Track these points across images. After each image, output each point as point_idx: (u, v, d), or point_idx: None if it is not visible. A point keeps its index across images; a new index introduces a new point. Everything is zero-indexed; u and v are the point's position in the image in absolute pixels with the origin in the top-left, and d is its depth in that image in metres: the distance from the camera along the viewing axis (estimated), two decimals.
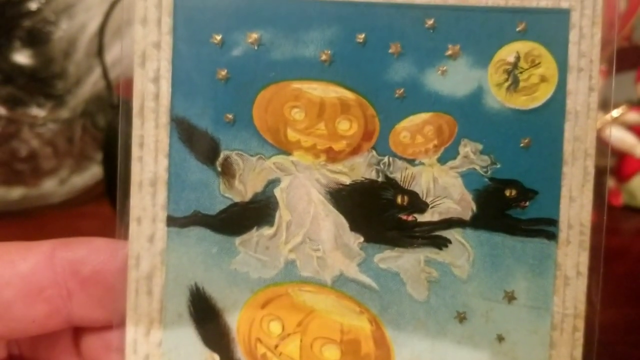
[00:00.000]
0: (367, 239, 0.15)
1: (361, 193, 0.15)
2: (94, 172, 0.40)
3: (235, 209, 0.15)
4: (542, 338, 0.15)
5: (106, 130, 0.37)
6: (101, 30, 0.35)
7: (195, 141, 0.15)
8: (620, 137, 0.42)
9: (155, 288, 0.15)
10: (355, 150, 0.15)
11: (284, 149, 0.15)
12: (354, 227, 0.15)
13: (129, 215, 0.15)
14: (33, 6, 0.34)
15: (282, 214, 0.15)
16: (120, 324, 0.15)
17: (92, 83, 0.37)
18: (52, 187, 0.39)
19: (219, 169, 0.15)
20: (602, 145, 0.43)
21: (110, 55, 0.35)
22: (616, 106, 0.44)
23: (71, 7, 0.35)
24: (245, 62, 0.14)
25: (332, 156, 0.15)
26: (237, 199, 0.15)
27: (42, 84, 0.37)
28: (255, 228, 0.15)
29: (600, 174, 0.45)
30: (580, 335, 0.15)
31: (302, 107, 0.15)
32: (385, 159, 0.15)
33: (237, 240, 0.15)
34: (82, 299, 0.15)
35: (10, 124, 0.37)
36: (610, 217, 0.47)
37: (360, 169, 0.15)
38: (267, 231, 0.15)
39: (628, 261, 0.41)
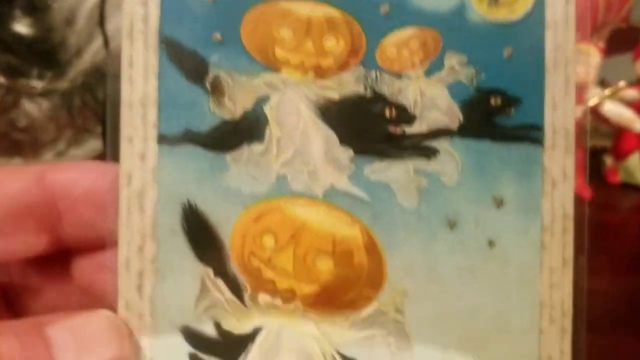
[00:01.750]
0: (357, 152, 0.15)
1: (350, 107, 0.15)
2: (93, 146, 0.41)
3: (226, 126, 0.15)
4: (533, 241, 0.15)
5: (106, 102, 0.37)
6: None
7: (184, 61, 0.15)
8: (618, 112, 0.43)
9: (148, 205, 0.15)
10: (342, 67, 0.15)
11: (273, 67, 0.15)
12: (344, 140, 0.15)
13: (119, 136, 0.15)
14: None
15: (272, 130, 0.15)
16: (113, 243, 0.15)
17: (92, 54, 0.37)
18: (50, 159, 0.39)
19: (209, 87, 0.15)
20: (601, 121, 0.43)
21: (111, 25, 0.36)
22: (609, 87, 0.45)
23: None
24: None
25: (320, 73, 0.15)
26: (227, 117, 0.15)
27: (41, 53, 0.37)
28: (245, 144, 0.15)
29: (595, 154, 0.45)
30: (570, 238, 0.15)
31: (289, 26, 0.15)
32: (373, 74, 0.15)
33: (228, 156, 0.15)
34: (72, 219, 0.16)
35: (9, 94, 0.37)
36: (608, 194, 0.48)
37: (348, 84, 0.15)
38: (257, 147, 0.15)
39: (626, 235, 0.42)
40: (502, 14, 0.15)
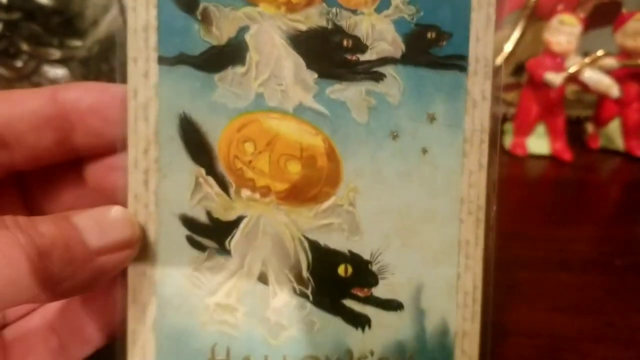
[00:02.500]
0: (320, 76, 0.17)
1: (315, 37, 0.17)
2: None
3: (214, 51, 0.17)
4: (457, 149, 0.18)
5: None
6: None
7: None
8: (597, 78, 0.45)
9: (151, 115, 0.17)
10: (309, 2, 0.17)
11: (252, 2, 0.17)
12: (310, 65, 0.17)
13: (126, 57, 0.17)
14: None
15: (252, 55, 0.17)
16: (122, 147, 0.17)
17: (107, 24, 0.40)
18: None
19: (199, 17, 0.17)
20: (582, 88, 0.46)
21: None
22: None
23: None
24: None
25: (291, 7, 0.17)
26: (214, 43, 0.17)
27: (61, 23, 0.40)
28: (230, 67, 0.17)
29: (579, 124, 0.48)
30: (485, 147, 0.18)
31: None
32: (334, 10, 0.17)
33: (216, 76, 0.17)
34: (83, 129, 0.17)
35: (32, 60, 0.40)
36: (590, 159, 0.51)
37: (313, 18, 0.17)
38: (240, 69, 0.17)
39: (605, 194, 0.44)
40: None
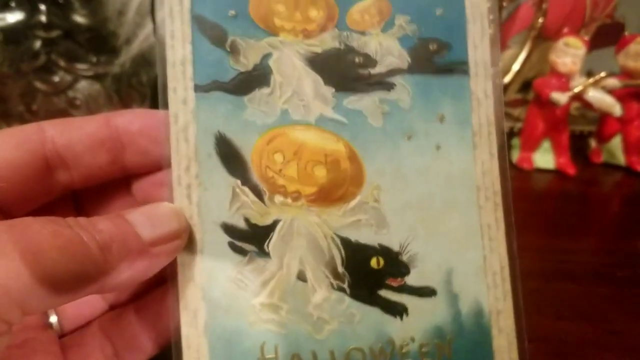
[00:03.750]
0: (337, 89, 0.19)
1: (330, 57, 0.19)
2: None
3: (242, 76, 0.19)
4: (467, 143, 0.19)
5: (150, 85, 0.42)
6: None
7: (209, 31, 0.19)
8: (600, 98, 0.46)
9: (190, 137, 0.18)
10: (323, 29, 0.19)
11: (273, 32, 0.19)
12: (327, 82, 0.19)
13: (167, 88, 0.19)
14: None
15: (276, 78, 0.19)
16: (167, 165, 0.18)
17: (139, 42, 0.42)
18: None
19: (228, 49, 0.19)
20: (586, 106, 0.48)
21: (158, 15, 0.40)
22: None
23: None
24: None
25: (307, 34, 0.19)
26: (242, 69, 0.19)
27: (97, 41, 0.41)
28: (257, 89, 0.19)
29: (582, 138, 0.51)
30: (493, 137, 0.20)
31: (283, 2, 0.19)
32: (345, 33, 0.19)
33: (245, 98, 0.19)
34: (133, 149, 0.19)
35: (68, 75, 0.41)
36: (592, 173, 0.53)
37: (327, 41, 0.19)
38: (266, 90, 0.19)
39: (606, 207, 0.46)
40: None
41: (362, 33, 0.19)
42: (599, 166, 0.52)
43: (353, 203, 0.19)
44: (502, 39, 0.53)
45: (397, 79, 0.19)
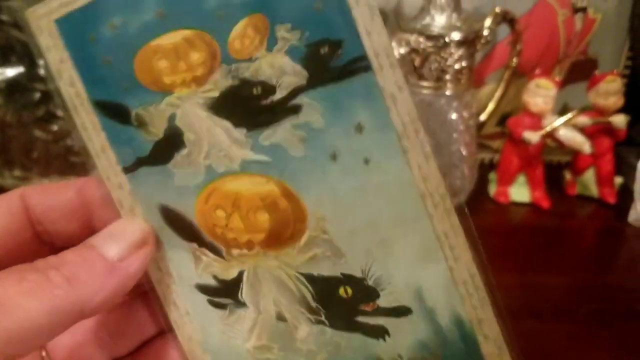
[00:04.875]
0: (249, 129, 0.18)
1: (229, 98, 0.18)
2: None
3: (158, 146, 0.19)
4: (395, 148, 0.17)
5: None
6: None
7: (112, 111, 0.18)
8: (571, 136, 0.49)
9: (138, 215, 0.19)
10: (211, 70, 0.18)
11: (167, 91, 0.18)
12: (237, 124, 0.18)
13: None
14: None
15: (187, 136, 0.18)
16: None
17: None
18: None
19: (135, 124, 0.18)
20: (557, 143, 0.51)
21: None
22: (570, 111, 0.51)
23: None
24: (115, 44, 0.18)
25: (199, 81, 0.18)
26: (156, 139, 0.18)
27: None
28: (175, 153, 0.19)
29: (559, 169, 0.53)
30: (423, 135, 0.17)
31: (162, 57, 0.18)
32: (232, 66, 0.17)
33: (169, 165, 0.19)
34: (98, 217, 0.20)
35: (67, 124, 0.44)
36: (566, 204, 0.56)
37: (220, 81, 0.18)
38: (184, 152, 0.19)
39: (581, 239, 0.48)
40: None
41: (250, 60, 0.17)
42: (573, 198, 0.54)
43: (304, 239, 0.19)
44: (479, 76, 0.56)
45: (301, 99, 0.17)
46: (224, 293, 0.19)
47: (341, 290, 0.19)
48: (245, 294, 0.20)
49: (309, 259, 0.19)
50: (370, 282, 0.18)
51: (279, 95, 0.17)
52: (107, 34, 0.18)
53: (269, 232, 0.19)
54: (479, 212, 0.51)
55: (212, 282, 0.19)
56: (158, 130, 0.18)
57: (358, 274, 0.18)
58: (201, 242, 0.19)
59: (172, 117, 0.18)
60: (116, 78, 0.18)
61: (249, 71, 0.17)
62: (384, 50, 0.16)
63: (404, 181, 0.17)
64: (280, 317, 0.19)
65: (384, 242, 0.18)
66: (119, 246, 0.17)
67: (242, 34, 0.17)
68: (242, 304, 0.20)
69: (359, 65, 0.17)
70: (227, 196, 0.19)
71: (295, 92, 0.17)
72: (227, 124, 0.18)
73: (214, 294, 0.20)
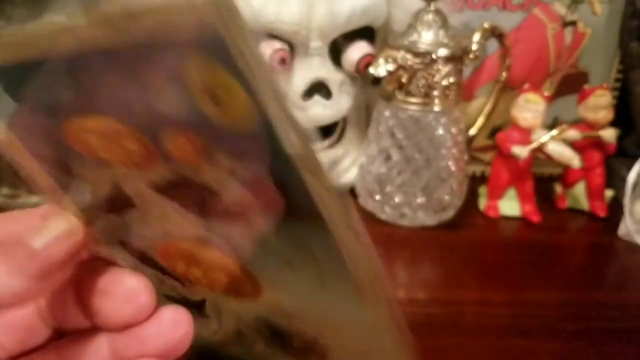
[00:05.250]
0: (200, 215, 0.16)
1: (176, 187, 0.16)
2: None
3: (108, 201, 0.18)
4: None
5: None
6: None
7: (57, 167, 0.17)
8: (560, 151, 0.49)
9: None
10: (152, 160, 0.15)
11: (107, 165, 0.16)
12: (187, 208, 0.17)
13: None
14: None
15: (137, 201, 0.17)
16: None
17: None
18: None
19: (79, 179, 0.17)
20: (547, 158, 0.50)
21: None
22: (561, 124, 0.51)
23: None
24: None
25: (140, 166, 0.16)
26: (105, 193, 0.18)
27: None
28: (128, 209, 0.18)
29: (550, 181, 0.53)
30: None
31: (94, 135, 0.15)
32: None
33: (124, 217, 0.18)
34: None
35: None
36: (557, 218, 0.56)
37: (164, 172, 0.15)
38: (135, 213, 0.18)
39: (572, 253, 0.48)
40: None
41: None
42: (564, 211, 0.54)
43: (261, 301, 0.19)
44: (469, 89, 0.56)
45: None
46: (189, 306, 0.19)
47: (295, 342, 0.20)
48: (209, 311, 0.21)
49: (266, 313, 0.20)
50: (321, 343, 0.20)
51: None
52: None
53: (228, 287, 0.19)
54: (469, 226, 0.51)
55: (177, 296, 0.21)
56: (105, 190, 0.17)
57: (310, 335, 0.20)
58: (164, 272, 0.20)
59: (116, 185, 0.17)
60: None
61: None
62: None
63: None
64: (240, 333, 0.21)
65: (330, 323, 0.19)
66: (43, 237, 0.16)
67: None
68: (206, 316, 0.21)
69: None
70: (185, 253, 0.18)
71: None
72: (176, 205, 0.16)
73: (180, 303, 0.19)
